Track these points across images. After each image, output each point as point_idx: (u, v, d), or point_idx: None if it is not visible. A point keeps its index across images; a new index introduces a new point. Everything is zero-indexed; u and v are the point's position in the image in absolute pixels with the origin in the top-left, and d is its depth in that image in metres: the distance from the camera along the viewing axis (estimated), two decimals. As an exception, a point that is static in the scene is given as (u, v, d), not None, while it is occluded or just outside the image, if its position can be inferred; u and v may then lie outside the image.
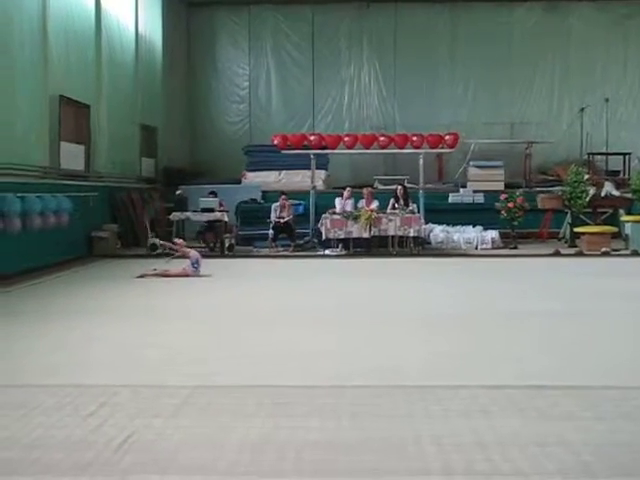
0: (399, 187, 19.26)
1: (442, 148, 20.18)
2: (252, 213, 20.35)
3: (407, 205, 18.68)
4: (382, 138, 20.30)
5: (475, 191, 21.63)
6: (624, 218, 19.34)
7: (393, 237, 18.32)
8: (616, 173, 23.40)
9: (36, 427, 5.17)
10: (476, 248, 19.07)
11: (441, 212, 20.33)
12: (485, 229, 19.59)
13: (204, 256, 14.79)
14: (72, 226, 15.89)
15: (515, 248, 18.89)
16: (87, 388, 6.15)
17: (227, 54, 27.65)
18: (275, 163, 22.53)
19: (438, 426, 5.16)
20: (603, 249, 17.90)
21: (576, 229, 19.14)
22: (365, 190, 19.27)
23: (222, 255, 17.72)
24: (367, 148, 20.40)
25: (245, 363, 7.11)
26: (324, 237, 18.20)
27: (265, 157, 22.94)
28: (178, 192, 20.35)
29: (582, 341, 8.11)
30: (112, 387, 6.14)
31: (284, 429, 5.11)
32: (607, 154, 24.41)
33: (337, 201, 18.93)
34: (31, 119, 15.27)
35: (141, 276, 13.61)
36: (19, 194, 13.65)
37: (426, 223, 19.01)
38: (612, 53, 26.20)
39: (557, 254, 17.73)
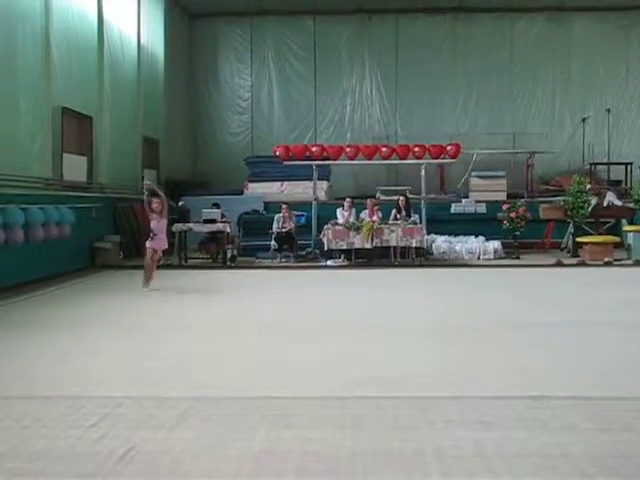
0: (401, 198, 19.27)
1: (444, 158, 20.21)
2: (254, 224, 20.35)
3: (409, 216, 18.70)
4: (384, 149, 20.33)
5: (477, 201, 21.64)
6: (626, 228, 19.35)
7: (395, 248, 18.30)
8: (618, 183, 23.45)
9: (39, 439, 5.17)
10: (478, 258, 19.04)
11: (443, 222, 20.35)
12: (487, 239, 19.55)
13: (206, 267, 14.75)
14: (74, 237, 15.90)
15: (517, 258, 18.88)
16: (90, 399, 6.15)
17: (229, 65, 27.72)
18: (277, 174, 22.56)
19: (440, 437, 5.15)
20: (605, 259, 17.89)
21: (578, 239, 19.15)
22: (369, 201, 19.27)
23: (224, 266, 17.74)
24: (369, 159, 20.45)
25: (246, 374, 7.10)
26: (326, 248, 18.22)
27: (267, 168, 22.98)
28: (180, 203, 20.39)
29: (586, 352, 8.10)
30: (115, 399, 6.13)
31: (286, 440, 5.10)
32: (609, 164, 24.47)
33: (339, 212, 18.96)
34: (33, 131, 15.30)
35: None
36: (22, 205, 13.66)
37: (428, 234, 19.03)
38: (613, 63, 26.29)
39: (559, 264, 17.71)
